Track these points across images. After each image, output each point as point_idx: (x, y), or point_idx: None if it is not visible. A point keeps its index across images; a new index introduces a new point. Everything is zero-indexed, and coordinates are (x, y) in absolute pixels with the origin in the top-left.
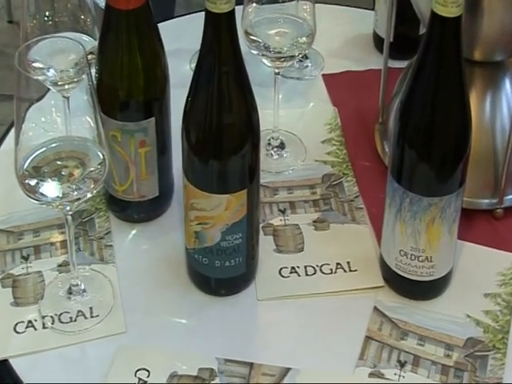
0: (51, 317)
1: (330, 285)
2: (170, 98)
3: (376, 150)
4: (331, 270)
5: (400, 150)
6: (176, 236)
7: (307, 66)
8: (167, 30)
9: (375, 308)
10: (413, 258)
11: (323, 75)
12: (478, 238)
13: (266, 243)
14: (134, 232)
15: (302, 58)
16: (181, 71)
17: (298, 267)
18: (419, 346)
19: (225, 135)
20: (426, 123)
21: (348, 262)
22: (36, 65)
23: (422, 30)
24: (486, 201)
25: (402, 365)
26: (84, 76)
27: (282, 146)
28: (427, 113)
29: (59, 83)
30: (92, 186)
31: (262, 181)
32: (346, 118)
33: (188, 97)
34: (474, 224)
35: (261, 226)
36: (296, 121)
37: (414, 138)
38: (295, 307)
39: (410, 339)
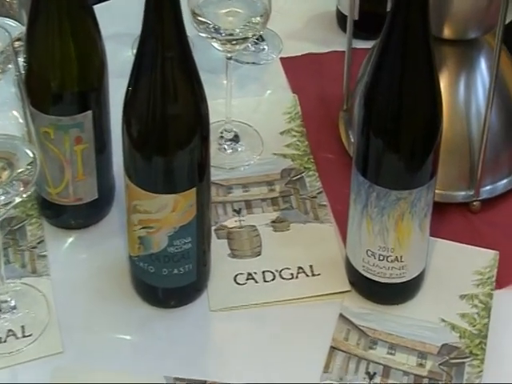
0: None
1: (291, 291)
2: (109, 89)
3: (341, 141)
4: (292, 274)
5: (365, 140)
6: (118, 243)
7: (263, 49)
8: (105, 11)
9: (341, 315)
10: (381, 258)
11: (281, 59)
12: (452, 235)
13: (219, 247)
14: (70, 240)
15: (258, 39)
16: (121, 58)
17: (256, 273)
18: (389, 356)
19: (170, 128)
20: (393, 109)
21: (310, 266)
22: None
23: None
24: (461, 193)
25: (370, 376)
26: (10, 66)
27: (235, 138)
28: (393, 97)
29: None
30: (21, 190)
31: (213, 178)
32: (307, 106)
33: (128, 86)
34: (448, 219)
35: (213, 228)
36: (251, 110)
37: (380, 125)
38: (252, 317)
39: (379, 348)
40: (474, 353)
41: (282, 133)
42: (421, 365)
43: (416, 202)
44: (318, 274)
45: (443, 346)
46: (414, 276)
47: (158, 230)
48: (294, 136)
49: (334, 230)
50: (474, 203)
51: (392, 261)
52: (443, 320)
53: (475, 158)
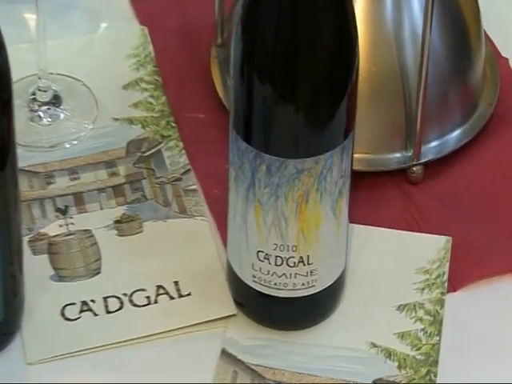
0: None
1: (149, 324)
2: None
3: (215, 92)
4: (149, 298)
5: (245, 86)
6: None
7: None
8: None
9: (224, 352)
10: (279, 262)
11: None
12: (384, 218)
13: (37, 267)
14: None
15: None
16: None
17: (94, 301)
18: None
19: None
20: (284, 38)
21: (176, 283)
22: None
23: None
24: (395, 155)
25: None
26: None
27: (56, 100)
28: (285, 21)
29: None
30: None
31: (23, 163)
32: (162, 44)
33: None
34: (378, 195)
35: (26, 239)
36: (78, 56)
37: (266, 63)
38: (92, 368)
39: None
40: None
41: (125, 86)
42: None
43: (325, 173)
44: (188, 295)
45: (375, 382)
46: (328, 284)
47: None
48: (145, 90)
49: (210, 227)
50: (414, 169)
51: (295, 264)
52: (374, 345)
53: (412, 103)
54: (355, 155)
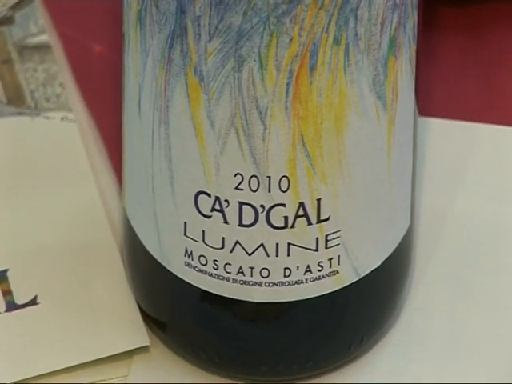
0: None
1: None
2: None
3: None
4: None
5: None
6: None
7: None
8: None
9: None
10: (249, 217)
11: None
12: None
13: None
14: None
15: None
16: None
17: None
18: None
19: None
20: None
21: (2, 275)
22: None
23: None
24: None
25: None
26: None
27: None
28: None
29: None
30: None
31: None
32: None
33: None
34: (494, 45)
35: None
36: None
37: None
38: None
39: None
40: None
41: None
42: None
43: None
44: (32, 303)
45: None
46: (369, 269)
47: None
48: None
49: (83, 137)
50: None
51: (287, 223)
52: None
53: None
54: None
